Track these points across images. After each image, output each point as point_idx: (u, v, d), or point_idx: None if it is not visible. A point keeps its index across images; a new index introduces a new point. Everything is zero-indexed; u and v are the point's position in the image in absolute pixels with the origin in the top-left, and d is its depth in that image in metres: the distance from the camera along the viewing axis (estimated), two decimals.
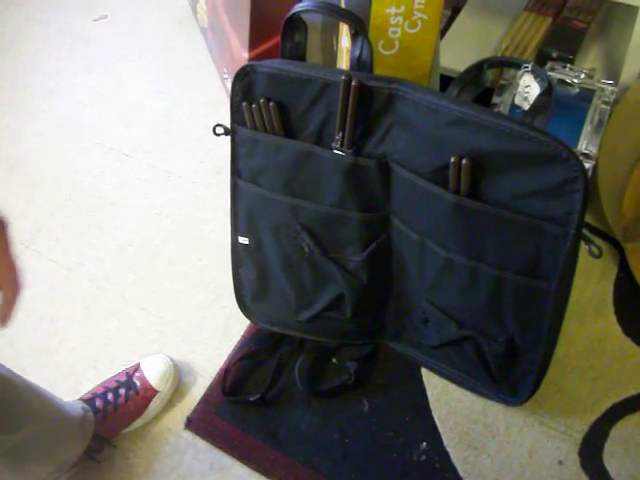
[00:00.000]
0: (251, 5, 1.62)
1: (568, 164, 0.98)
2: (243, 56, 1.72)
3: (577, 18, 1.71)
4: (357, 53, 1.19)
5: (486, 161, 1.04)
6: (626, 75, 1.54)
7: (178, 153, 1.95)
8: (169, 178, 1.90)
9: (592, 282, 1.53)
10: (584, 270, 1.54)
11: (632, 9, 1.44)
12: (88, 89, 2.17)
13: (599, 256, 1.03)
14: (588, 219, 1.59)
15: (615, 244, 1.56)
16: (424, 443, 1.37)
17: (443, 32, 1.86)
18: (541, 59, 1.63)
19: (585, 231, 1.04)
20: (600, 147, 1.45)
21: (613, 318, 1.49)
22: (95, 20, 2.40)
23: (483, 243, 1.12)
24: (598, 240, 1.57)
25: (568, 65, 1.51)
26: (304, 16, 1.21)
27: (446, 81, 1.19)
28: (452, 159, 1.04)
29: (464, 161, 1.03)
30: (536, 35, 1.73)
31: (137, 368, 1.48)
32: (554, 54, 1.63)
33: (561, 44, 1.65)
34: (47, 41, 2.35)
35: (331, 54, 1.56)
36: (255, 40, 1.70)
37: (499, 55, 1.72)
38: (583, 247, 1.06)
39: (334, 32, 1.49)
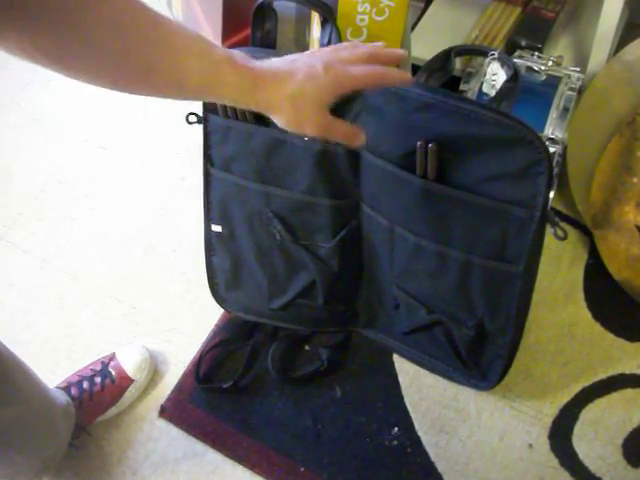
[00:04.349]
0: None
1: (532, 147, 1.00)
2: None
3: (546, 8, 1.72)
4: (326, 41, 1.20)
5: (452, 145, 1.05)
6: (593, 63, 1.56)
7: (152, 144, 1.95)
8: (144, 169, 1.90)
9: (562, 269, 1.55)
10: (555, 257, 1.56)
11: None
12: (63, 82, 2.15)
13: (564, 238, 1.04)
14: (558, 207, 1.61)
15: (585, 231, 1.58)
16: (396, 428, 1.39)
17: (415, 23, 1.87)
18: (511, 48, 1.65)
19: (550, 214, 1.06)
20: (569, 134, 1.47)
21: (583, 304, 1.51)
22: None
23: (451, 227, 1.14)
24: (568, 227, 1.59)
25: (536, 53, 1.52)
26: (276, 6, 1.22)
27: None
28: (418, 143, 1.05)
29: (430, 145, 1.04)
30: (505, 24, 1.74)
31: (113, 357, 1.48)
32: (523, 43, 1.64)
33: (530, 33, 1.66)
34: None
35: (304, 46, 1.57)
36: (228, 31, 1.71)
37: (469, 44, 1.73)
38: (550, 233, 1.08)
39: (307, 24, 1.50)
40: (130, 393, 1.45)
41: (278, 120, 0.86)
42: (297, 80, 0.83)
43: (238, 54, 0.81)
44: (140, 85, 0.75)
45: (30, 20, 0.62)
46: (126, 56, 0.71)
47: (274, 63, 0.85)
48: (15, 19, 0.61)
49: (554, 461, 1.32)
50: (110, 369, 1.45)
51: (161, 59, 0.74)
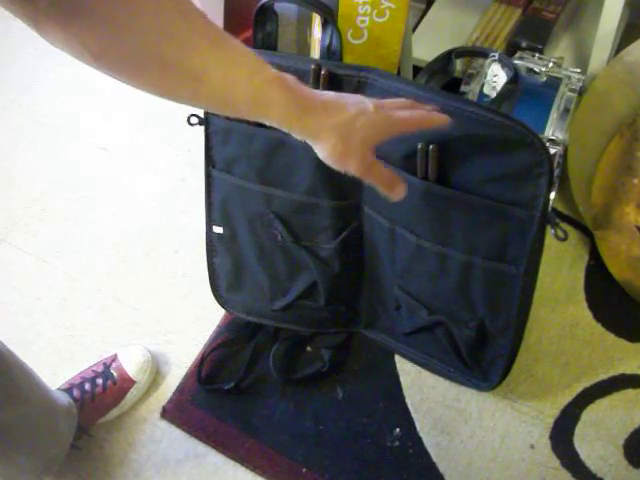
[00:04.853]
0: None
1: (533, 148, 1.00)
2: None
3: (547, 9, 1.73)
4: (327, 42, 1.20)
5: (453, 147, 1.05)
6: (594, 64, 1.56)
7: (154, 146, 1.95)
8: (144, 171, 1.90)
9: (563, 269, 1.55)
10: (556, 258, 1.56)
11: None
12: (65, 84, 2.17)
13: (565, 239, 1.04)
14: (559, 207, 1.61)
15: (586, 232, 1.57)
16: (398, 429, 1.39)
17: (416, 25, 1.88)
18: (511, 49, 1.65)
19: (551, 215, 1.06)
20: (570, 135, 1.47)
21: (584, 304, 1.50)
22: None
23: (452, 229, 1.14)
24: (569, 228, 1.59)
25: (537, 54, 1.52)
26: (277, 7, 1.22)
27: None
28: (419, 145, 1.05)
29: (431, 147, 1.05)
30: (506, 26, 1.74)
31: (114, 359, 1.48)
32: (524, 44, 1.64)
33: (531, 34, 1.66)
34: (24, 36, 2.34)
35: (306, 47, 1.57)
36: (229, 33, 1.71)
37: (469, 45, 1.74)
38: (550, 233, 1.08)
39: (308, 26, 1.50)
40: (132, 394, 1.45)
41: (321, 149, 0.84)
42: (349, 112, 0.82)
43: (290, 77, 0.80)
44: (187, 95, 0.75)
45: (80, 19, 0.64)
46: (174, 65, 0.71)
47: (323, 93, 0.84)
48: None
49: (555, 461, 1.32)
50: (112, 370, 1.45)
51: (212, 70, 0.73)
